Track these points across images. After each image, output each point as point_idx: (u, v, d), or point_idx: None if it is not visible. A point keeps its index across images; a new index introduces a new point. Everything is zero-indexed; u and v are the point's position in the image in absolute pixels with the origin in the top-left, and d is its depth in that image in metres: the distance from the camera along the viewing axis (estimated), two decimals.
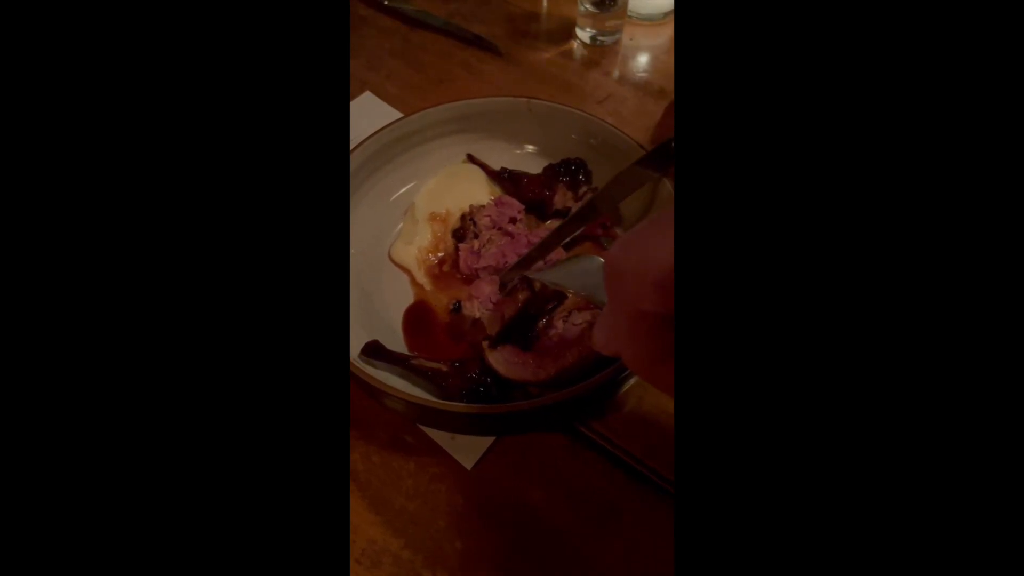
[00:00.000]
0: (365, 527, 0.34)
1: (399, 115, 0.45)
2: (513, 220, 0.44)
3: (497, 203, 0.44)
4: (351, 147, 0.42)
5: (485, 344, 0.38)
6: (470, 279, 0.43)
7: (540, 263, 0.39)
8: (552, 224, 0.45)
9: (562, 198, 0.45)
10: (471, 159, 0.47)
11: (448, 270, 0.43)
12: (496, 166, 0.47)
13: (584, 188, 0.45)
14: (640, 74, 0.58)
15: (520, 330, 0.38)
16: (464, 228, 0.44)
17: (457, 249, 0.43)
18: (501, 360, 0.36)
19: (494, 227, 0.43)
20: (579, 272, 0.31)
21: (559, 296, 0.39)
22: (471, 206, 0.45)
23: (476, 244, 0.43)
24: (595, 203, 0.40)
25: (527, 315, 0.39)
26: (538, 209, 0.46)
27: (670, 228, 0.15)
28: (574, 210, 0.43)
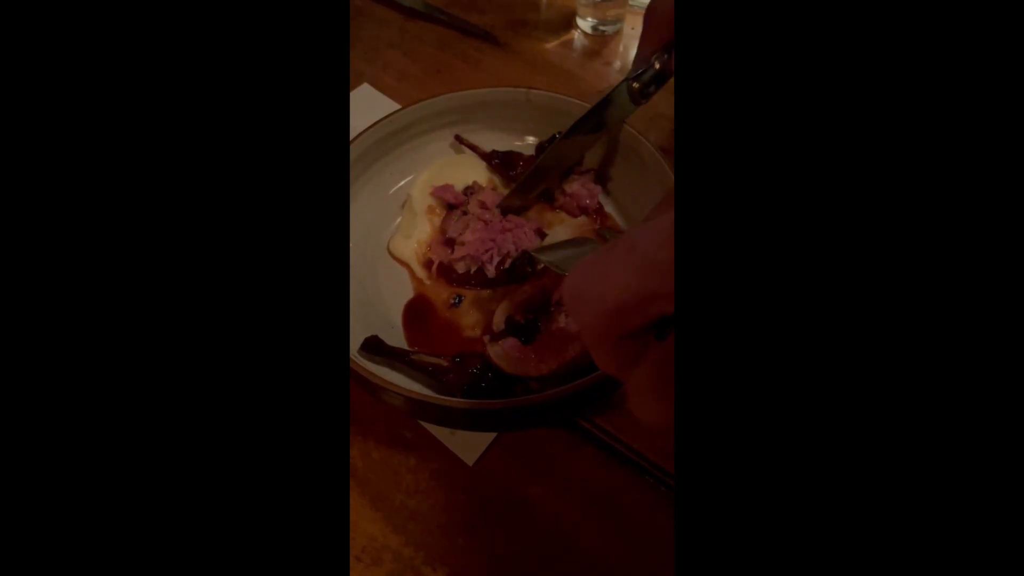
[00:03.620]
0: (365, 524, 0.34)
1: (397, 107, 0.45)
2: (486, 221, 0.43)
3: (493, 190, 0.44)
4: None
5: (486, 339, 0.37)
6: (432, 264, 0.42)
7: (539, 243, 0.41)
8: (559, 214, 0.45)
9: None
10: (459, 139, 0.47)
11: (447, 264, 0.43)
12: None
13: (580, 168, 0.45)
14: None
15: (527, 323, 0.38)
16: (461, 200, 0.43)
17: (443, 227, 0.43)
18: (502, 354, 0.36)
19: (480, 211, 0.42)
20: (574, 256, 0.31)
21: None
22: (475, 182, 0.44)
23: (455, 228, 0.42)
24: (559, 151, 0.42)
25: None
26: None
27: (627, 255, 0.16)
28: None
